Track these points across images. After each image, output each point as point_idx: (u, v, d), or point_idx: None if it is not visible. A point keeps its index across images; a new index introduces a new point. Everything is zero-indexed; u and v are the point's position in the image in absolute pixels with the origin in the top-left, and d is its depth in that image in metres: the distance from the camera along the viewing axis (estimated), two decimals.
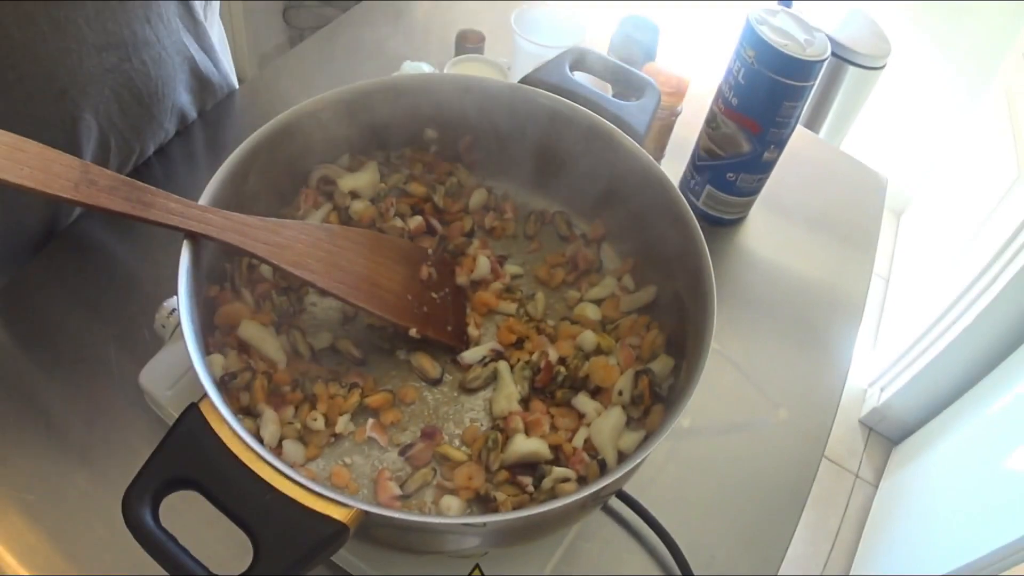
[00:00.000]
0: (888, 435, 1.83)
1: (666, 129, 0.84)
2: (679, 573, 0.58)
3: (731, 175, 0.78)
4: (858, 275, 0.85)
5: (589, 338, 0.59)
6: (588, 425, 0.55)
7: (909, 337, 1.70)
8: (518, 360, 0.59)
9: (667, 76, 0.79)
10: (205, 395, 0.40)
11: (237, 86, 0.87)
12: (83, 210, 0.72)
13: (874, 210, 0.93)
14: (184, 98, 0.78)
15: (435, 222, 0.65)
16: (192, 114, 0.82)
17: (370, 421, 0.55)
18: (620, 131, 0.59)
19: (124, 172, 0.75)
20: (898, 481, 1.67)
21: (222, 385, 0.51)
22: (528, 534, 0.50)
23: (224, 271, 0.56)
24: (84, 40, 0.60)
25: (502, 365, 0.58)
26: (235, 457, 0.37)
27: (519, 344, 0.60)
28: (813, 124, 1.66)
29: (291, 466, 0.39)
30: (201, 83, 0.79)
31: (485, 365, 0.58)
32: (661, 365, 0.57)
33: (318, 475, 0.52)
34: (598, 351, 0.59)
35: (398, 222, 0.63)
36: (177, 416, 0.39)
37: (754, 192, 0.82)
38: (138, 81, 0.68)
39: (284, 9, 2.18)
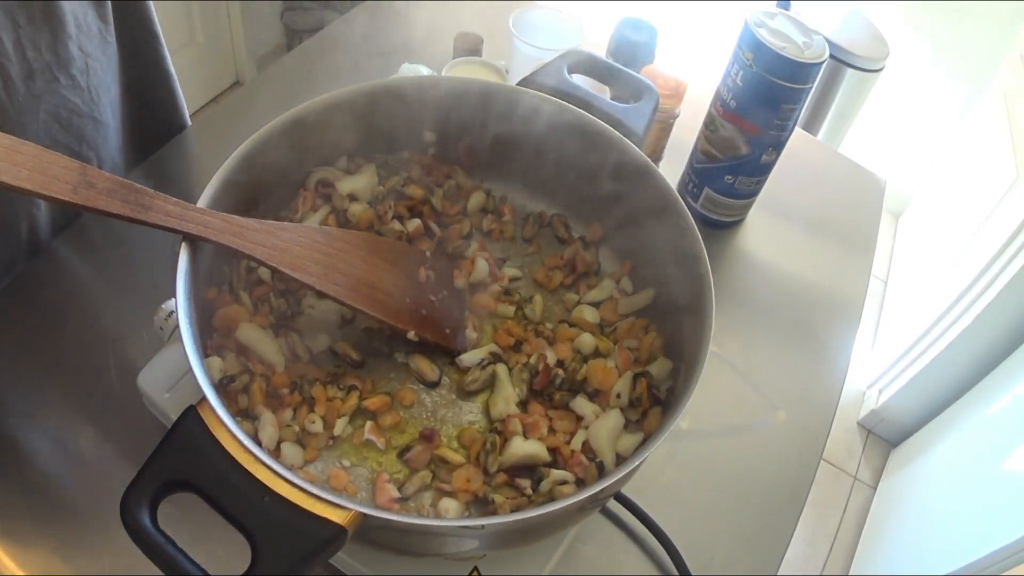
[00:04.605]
0: (887, 437, 1.83)
1: (664, 132, 0.84)
2: (677, 575, 0.58)
3: (729, 177, 0.79)
4: (856, 277, 0.85)
5: (587, 341, 0.59)
6: (586, 427, 0.55)
7: (907, 339, 1.70)
8: (516, 363, 0.59)
9: (665, 78, 0.79)
10: (203, 398, 0.40)
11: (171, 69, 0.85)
12: (81, 212, 0.72)
13: (872, 212, 0.93)
14: (127, 99, 0.77)
15: (433, 224, 0.65)
16: (146, 115, 0.81)
17: (368, 423, 0.55)
18: (618, 133, 0.59)
19: None
20: (897, 483, 1.67)
21: (220, 388, 0.51)
22: (526, 536, 0.50)
23: (222, 273, 0.56)
24: (8, 75, 0.60)
25: (500, 368, 0.58)
26: (233, 460, 0.37)
27: (517, 347, 0.60)
28: (811, 126, 1.66)
29: (289, 468, 0.39)
30: (141, 83, 0.79)
31: (483, 368, 0.58)
32: (659, 367, 0.57)
33: (316, 477, 0.52)
34: (596, 354, 0.59)
35: (396, 225, 0.63)
36: (175, 418, 0.39)
37: (752, 194, 0.82)
38: (71, 96, 0.67)
39: (282, 11, 2.18)
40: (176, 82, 0.85)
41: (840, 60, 1.54)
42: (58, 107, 0.67)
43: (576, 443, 0.54)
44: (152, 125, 0.84)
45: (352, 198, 0.63)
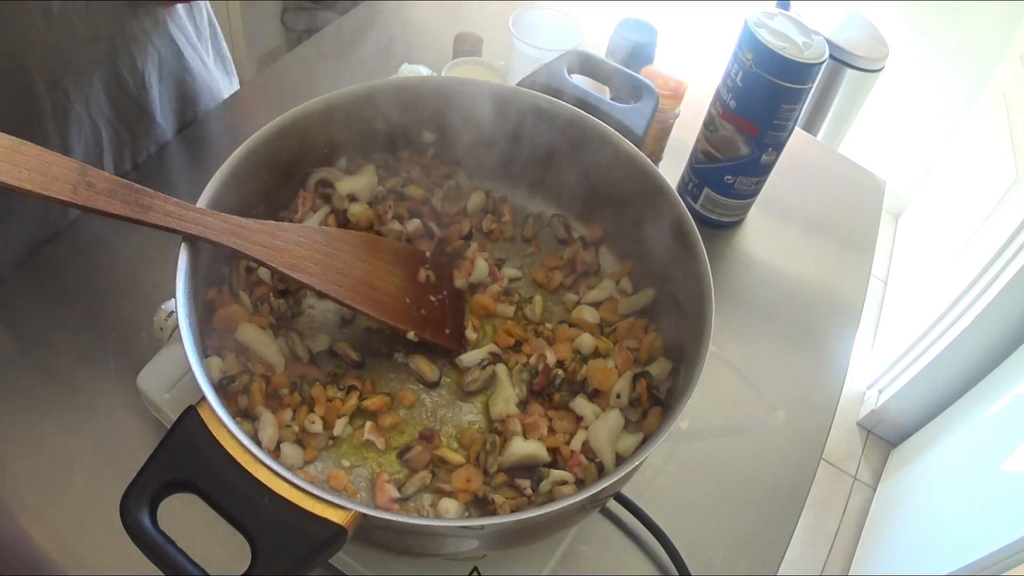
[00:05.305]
0: (886, 437, 1.83)
1: (664, 132, 0.84)
2: (677, 575, 0.58)
3: (729, 178, 0.79)
4: (856, 277, 0.85)
5: (587, 341, 0.59)
6: (586, 428, 0.55)
7: (907, 339, 1.70)
8: (516, 363, 0.59)
9: (665, 79, 0.79)
10: (203, 398, 0.40)
11: (237, 86, 0.87)
12: (81, 212, 0.72)
13: (872, 212, 0.93)
14: (177, 92, 0.79)
15: (433, 225, 0.65)
16: (191, 110, 0.82)
17: (368, 424, 0.55)
18: (618, 134, 0.59)
19: (122, 168, 0.76)
20: (896, 483, 1.67)
21: (220, 388, 0.51)
22: (526, 537, 0.50)
23: (222, 274, 0.56)
24: (75, 32, 0.62)
25: (500, 368, 0.58)
26: (233, 460, 0.38)
27: (517, 347, 0.60)
28: (811, 126, 1.66)
29: (289, 469, 0.39)
30: (196, 79, 0.80)
31: (483, 368, 0.58)
32: (659, 368, 0.57)
33: (316, 478, 0.52)
34: (596, 354, 0.59)
35: (396, 225, 0.63)
36: (175, 419, 0.39)
37: (752, 195, 0.82)
38: (125, 72, 0.70)
39: (282, 12, 2.18)
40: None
41: (840, 60, 1.54)
42: (110, 79, 0.69)
43: (576, 443, 0.54)
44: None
45: (352, 198, 0.63)
